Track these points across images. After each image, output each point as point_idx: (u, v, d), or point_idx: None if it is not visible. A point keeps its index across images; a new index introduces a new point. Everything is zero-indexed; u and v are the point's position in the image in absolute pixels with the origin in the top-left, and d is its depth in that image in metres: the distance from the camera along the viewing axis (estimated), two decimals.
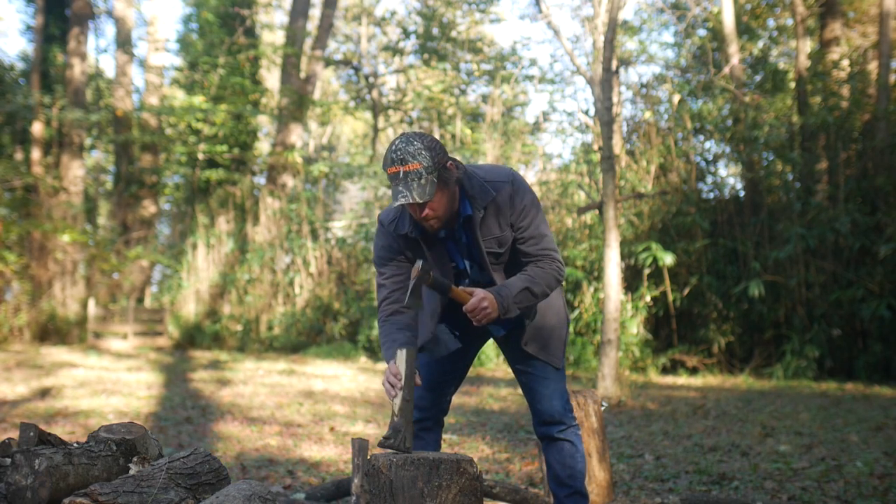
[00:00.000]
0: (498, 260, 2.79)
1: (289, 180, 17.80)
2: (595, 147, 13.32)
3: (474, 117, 20.17)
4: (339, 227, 17.01)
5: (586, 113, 16.92)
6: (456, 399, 2.96)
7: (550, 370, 2.91)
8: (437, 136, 17.76)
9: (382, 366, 12.15)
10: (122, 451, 2.53)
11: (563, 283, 3.10)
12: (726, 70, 13.31)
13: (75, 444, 2.52)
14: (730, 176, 14.49)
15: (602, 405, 3.68)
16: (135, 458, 2.54)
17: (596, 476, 3.60)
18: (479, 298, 2.61)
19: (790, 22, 16.57)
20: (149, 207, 19.26)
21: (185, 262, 16.87)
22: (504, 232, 2.72)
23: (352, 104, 22.38)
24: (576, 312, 11.69)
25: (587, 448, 3.54)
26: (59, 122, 16.85)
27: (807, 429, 6.38)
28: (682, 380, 10.78)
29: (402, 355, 2.48)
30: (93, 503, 2.19)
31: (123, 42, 20.08)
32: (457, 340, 2.94)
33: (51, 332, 15.47)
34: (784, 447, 5.55)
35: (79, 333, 15.61)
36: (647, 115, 13.95)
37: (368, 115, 22.57)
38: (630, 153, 13.22)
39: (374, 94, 20.96)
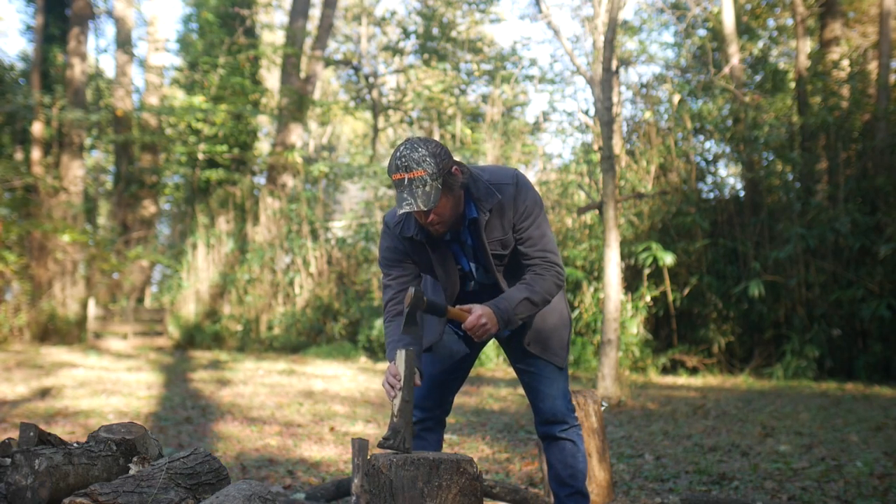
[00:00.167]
0: (502, 262, 2.79)
1: (289, 180, 17.80)
2: (595, 147, 13.32)
3: (474, 117, 20.16)
4: (339, 227, 17.00)
5: (586, 113, 16.93)
6: (456, 399, 2.96)
7: (553, 370, 2.91)
8: (437, 136, 17.77)
9: (382, 366, 12.15)
10: (122, 451, 2.53)
11: (565, 282, 3.09)
12: (726, 70, 13.31)
13: (75, 444, 2.52)
14: (730, 176, 14.50)
15: (602, 405, 3.68)
16: (135, 458, 2.54)
17: (596, 476, 3.60)
18: (476, 316, 2.60)
19: (790, 22, 16.57)
20: (149, 207, 19.26)
21: (185, 262, 16.87)
22: (507, 234, 2.72)
23: (352, 104, 22.38)
24: (576, 312, 11.69)
25: (587, 448, 3.54)
26: (59, 122, 16.85)
27: (807, 429, 6.38)
28: (682, 380, 10.78)
29: (401, 356, 2.48)
30: (93, 503, 2.19)
31: (123, 42, 20.08)
32: (461, 342, 2.95)
33: (51, 332, 15.46)
34: (784, 447, 5.55)
35: (79, 333, 15.61)
36: (647, 115, 13.95)
37: (368, 115, 22.57)
38: (630, 153, 13.22)
39: (374, 94, 20.96)
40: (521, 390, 8.75)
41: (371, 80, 21.60)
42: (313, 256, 15.71)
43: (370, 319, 14.09)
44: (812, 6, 14.31)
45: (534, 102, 39.52)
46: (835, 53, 13.52)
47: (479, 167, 2.76)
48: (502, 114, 18.44)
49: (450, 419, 6.62)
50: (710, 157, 13.74)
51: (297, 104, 17.91)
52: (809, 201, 11.71)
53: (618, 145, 12.55)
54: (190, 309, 16.27)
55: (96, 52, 25.69)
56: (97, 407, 7.26)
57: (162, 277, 19.95)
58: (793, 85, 14.36)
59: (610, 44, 7.96)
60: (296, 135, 18.41)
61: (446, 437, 6.01)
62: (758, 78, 15.98)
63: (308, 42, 19.01)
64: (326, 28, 18.77)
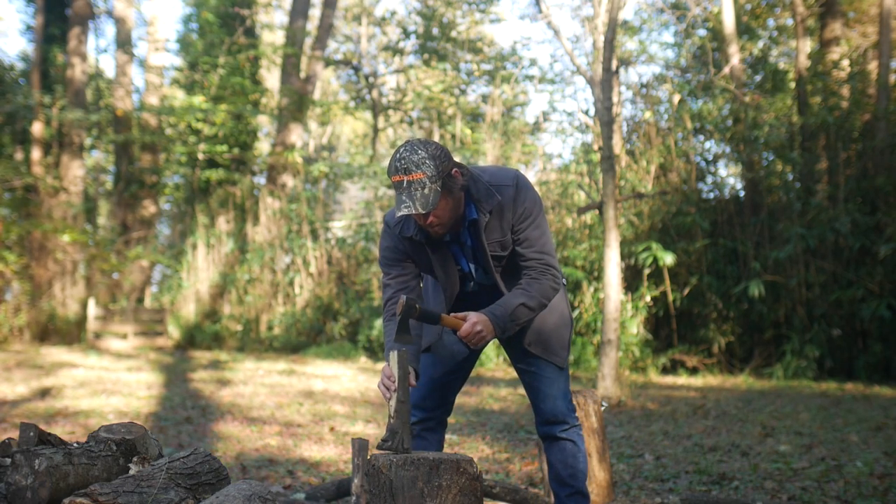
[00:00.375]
0: (501, 263, 2.79)
1: (289, 180, 17.80)
2: (595, 147, 13.32)
3: (474, 117, 20.16)
4: (339, 227, 17.00)
5: (586, 113, 16.93)
6: (456, 399, 2.96)
7: (553, 370, 2.91)
8: (437, 136, 17.78)
9: (382, 365, 12.14)
10: (122, 451, 2.53)
11: (565, 282, 3.09)
12: (726, 70, 13.31)
13: (75, 444, 2.52)
14: (730, 176, 14.50)
15: (602, 405, 3.69)
16: (135, 458, 2.54)
17: (596, 476, 3.60)
18: (471, 323, 2.59)
19: (790, 22, 16.57)
20: (149, 207, 19.25)
21: (185, 262, 16.87)
22: (506, 235, 2.72)
23: (352, 104, 22.38)
24: (576, 312, 11.69)
25: (587, 448, 3.54)
26: (59, 122, 16.85)
27: (807, 429, 6.38)
28: (682, 380, 10.78)
29: (394, 357, 2.47)
30: (93, 503, 2.19)
31: (123, 42, 20.07)
32: (462, 343, 2.95)
33: (51, 332, 15.46)
34: (784, 447, 5.55)
35: (79, 333, 15.60)
36: (647, 115, 13.95)
37: (368, 115, 22.57)
38: (630, 153, 13.22)
39: (374, 94, 20.96)
40: (521, 390, 8.75)
41: (371, 80, 21.60)
42: (313, 256, 15.71)
43: (370, 319, 14.09)
44: (812, 6, 14.31)
45: (534, 102, 39.56)
46: (835, 53, 13.52)
47: (479, 168, 2.76)
48: (502, 114, 18.44)
49: (450, 419, 6.62)
50: (710, 157, 13.74)
51: (297, 104, 17.91)
52: (809, 201, 11.71)
53: (618, 145, 12.55)
54: (190, 309, 16.26)
55: (96, 52, 25.69)
56: (97, 407, 7.26)
57: (162, 277, 19.95)
58: (793, 85, 14.36)
59: (610, 44, 7.96)
60: (296, 135, 18.41)
61: (446, 437, 6.01)
62: (758, 78, 15.98)
63: (308, 42, 19.01)
64: (326, 28, 18.77)
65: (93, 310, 15.51)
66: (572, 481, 2.92)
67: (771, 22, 17.80)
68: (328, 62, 21.36)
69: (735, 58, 13.41)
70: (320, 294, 15.39)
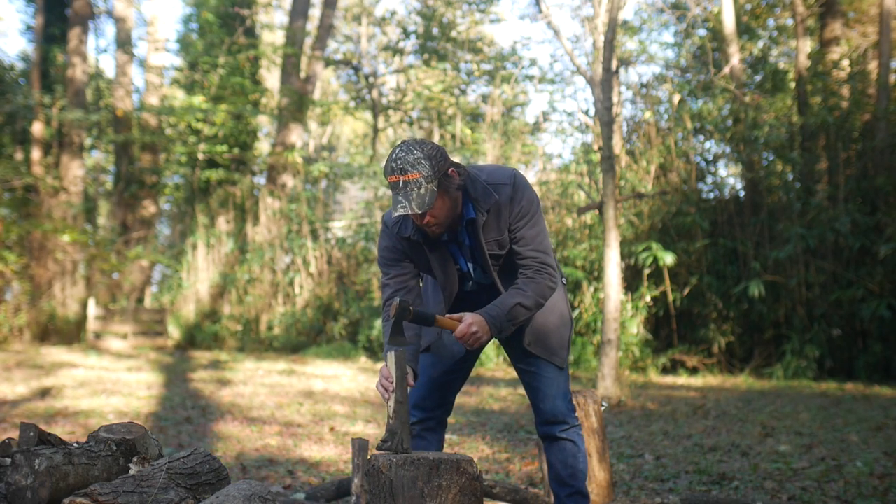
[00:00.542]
0: (499, 262, 2.79)
1: (289, 180, 17.80)
2: (595, 147, 13.32)
3: (474, 117, 20.16)
4: (339, 227, 17.00)
5: (586, 113, 16.93)
6: (456, 399, 2.97)
7: (553, 369, 2.91)
8: (437, 136, 17.77)
9: (381, 366, 12.14)
10: (122, 451, 2.53)
11: (565, 281, 3.09)
12: (726, 70, 13.30)
13: (75, 444, 2.52)
14: (730, 176, 14.50)
15: (602, 405, 3.69)
16: (135, 458, 2.54)
17: (596, 476, 3.60)
18: (467, 324, 2.59)
19: (790, 22, 16.57)
20: (149, 207, 19.25)
21: (185, 262, 16.87)
22: (504, 234, 2.72)
23: (352, 104, 22.38)
24: (576, 312, 11.69)
25: (587, 448, 3.54)
26: (59, 122, 16.85)
27: (807, 429, 6.38)
28: (682, 380, 10.78)
29: (391, 357, 2.47)
30: (93, 503, 2.19)
31: (123, 42, 20.07)
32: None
33: (51, 332, 15.46)
34: (784, 447, 5.55)
35: (79, 333, 15.60)
36: (647, 115, 13.95)
37: (368, 115, 22.56)
38: (630, 153, 13.22)
39: (374, 94, 20.96)
40: (521, 390, 8.75)
41: (371, 80, 21.60)
42: (313, 256, 15.71)
43: (370, 319, 14.09)
44: (812, 6, 14.31)
45: (534, 102, 39.54)
46: (835, 53, 13.52)
47: (477, 167, 2.76)
48: (502, 114, 18.44)
49: (450, 419, 6.62)
50: (710, 157, 13.74)
51: (297, 104, 17.90)
52: (809, 201, 11.71)
53: (618, 145, 12.55)
54: (190, 309, 16.27)
55: (96, 52, 25.69)
56: (97, 407, 7.26)
57: (162, 277, 19.94)
58: (793, 85, 14.36)
59: (610, 44, 7.96)
60: (296, 135, 18.41)
61: (446, 437, 6.01)
62: (758, 78, 15.97)
63: (308, 42, 19.00)
64: (326, 28, 18.77)
65: (93, 310, 15.51)
66: (572, 481, 2.92)
67: (771, 22, 17.80)
68: (328, 62, 21.36)
69: (735, 58, 13.41)
70: (320, 294, 15.39)
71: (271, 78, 21.83)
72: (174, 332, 16.06)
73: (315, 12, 21.35)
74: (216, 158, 18.32)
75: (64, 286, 15.96)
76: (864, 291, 10.72)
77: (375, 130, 20.85)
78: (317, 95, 20.85)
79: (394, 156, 2.53)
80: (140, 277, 18.40)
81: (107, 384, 8.93)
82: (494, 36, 28.72)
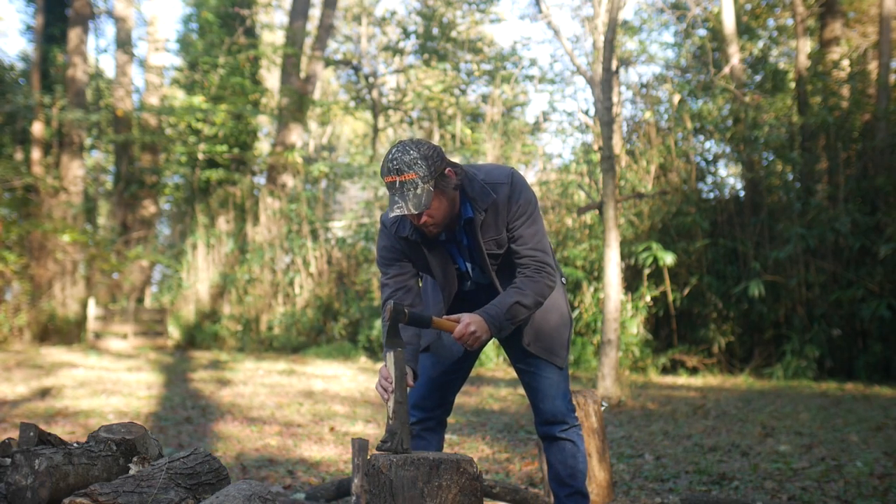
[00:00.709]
0: (498, 261, 2.79)
1: (289, 180, 17.80)
2: (595, 147, 13.32)
3: (474, 117, 20.15)
4: (339, 227, 17.00)
5: (586, 113, 16.93)
6: (456, 399, 2.97)
7: (553, 369, 2.90)
8: (437, 136, 17.77)
9: (381, 366, 12.14)
10: (122, 451, 2.53)
11: (565, 281, 3.08)
12: (726, 70, 13.30)
13: (75, 444, 2.53)
14: (730, 176, 14.49)
15: (602, 405, 3.69)
16: (135, 458, 2.54)
17: (596, 476, 3.60)
18: (465, 325, 2.58)
19: (790, 22, 16.57)
20: (149, 207, 19.25)
21: (185, 262, 16.87)
22: (502, 233, 2.71)
23: (352, 104, 22.38)
24: (576, 312, 11.69)
25: (587, 448, 3.54)
26: (59, 122, 16.85)
27: (807, 429, 6.38)
28: (682, 380, 10.78)
29: (390, 357, 2.47)
30: (93, 503, 2.19)
31: (123, 42, 20.07)
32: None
33: (51, 332, 15.46)
34: (784, 447, 5.55)
35: (79, 333, 15.60)
36: (647, 115, 13.95)
37: (368, 115, 22.56)
38: (630, 153, 13.21)
39: (374, 94, 20.96)
40: (521, 390, 8.75)
41: (371, 80, 21.59)
42: (313, 256, 15.72)
43: (370, 319, 14.09)
44: (812, 6, 14.31)
45: (534, 102, 39.54)
46: (835, 53, 13.52)
47: (475, 166, 2.76)
48: (502, 114, 18.43)
49: (450, 419, 6.62)
50: (710, 157, 13.74)
51: (297, 104, 17.91)
52: (809, 201, 11.71)
53: (618, 145, 12.54)
54: (190, 309, 16.27)
55: (96, 52, 25.68)
56: (97, 407, 7.26)
57: (162, 277, 19.95)
58: (793, 85, 14.36)
59: (610, 44, 7.96)
60: (296, 135, 18.41)
61: (446, 437, 6.01)
62: (758, 78, 15.97)
63: (308, 42, 19.00)
64: (326, 28, 18.77)
65: (93, 310, 15.51)
66: (572, 481, 2.92)
67: (771, 22, 17.80)
68: (328, 62, 21.36)
69: (735, 58, 13.40)
70: (320, 294, 15.39)
71: (271, 78, 21.83)
72: (174, 332, 16.06)
73: (315, 12, 21.35)
74: (216, 158, 18.32)
75: (64, 286, 15.97)
76: (864, 291, 10.72)
77: (375, 130, 20.85)
78: (317, 95, 20.85)
79: (390, 156, 2.53)
80: (140, 277, 18.40)
81: (107, 384, 8.93)
82: (494, 36, 28.75)
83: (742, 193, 12.92)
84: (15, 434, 5.54)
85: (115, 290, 17.70)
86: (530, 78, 21.09)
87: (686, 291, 11.76)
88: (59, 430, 5.95)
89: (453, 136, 17.92)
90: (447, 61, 20.57)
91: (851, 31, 16.03)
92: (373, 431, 6.40)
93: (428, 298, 2.96)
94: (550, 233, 12.86)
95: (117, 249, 17.32)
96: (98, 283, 16.89)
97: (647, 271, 11.57)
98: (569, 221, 13.06)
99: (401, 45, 22.03)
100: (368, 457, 2.32)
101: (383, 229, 2.81)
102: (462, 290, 2.89)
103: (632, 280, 11.82)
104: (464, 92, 21.06)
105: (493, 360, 12.32)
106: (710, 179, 13.64)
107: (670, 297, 11.66)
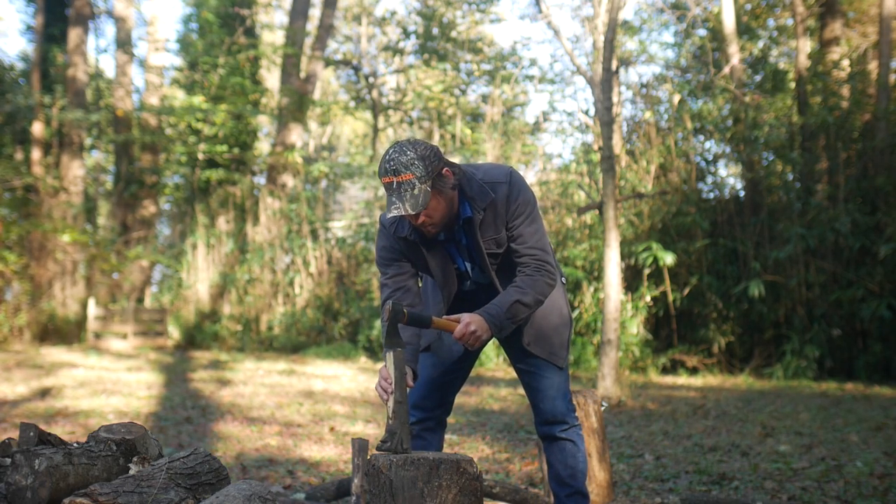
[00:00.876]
0: (497, 260, 2.79)
1: (289, 180, 17.80)
2: (595, 147, 13.32)
3: (474, 117, 20.15)
4: (339, 227, 17.00)
5: (586, 113, 16.93)
6: (456, 399, 2.97)
7: (553, 369, 2.90)
8: (437, 136, 17.77)
9: (380, 366, 12.14)
10: (122, 451, 2.53)
11: (566, 281, 3.08)
12: (726, 70, 13.31)
13: (75, 444, 2.52)
14: (730, 176, 14.50)
15: (602, 405, 3.69)
16: (135, 458, 2.54)
17: (596, 476, 3.60)
18: (465, 324, 2.57)
19: (790, 22, 16.57)
20: (149, 207, 19.25)
21: (185, 262, 16.87)
22: (501, 232, 2.71)
23: (352, 104, 22.38)
24: (576, 312, 11.69)
25: (587, 448, 3.54)
26: (59, 122, 16.85)
27: (807, 429, 6.38)
28: (682, 380, 10.78)
29: (390, 358, 2.47)
30: (93, 503, 2.19)
31: (123, 42, 20.07)
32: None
33: (51, 332, 15.46)
34: (784, 447, 5.55)
35: (79, 333, 15.60)
36: (647, 115, 13.95)
37: (368, 115, 22.56)
38: (630, 153, 13.21)
39: (374, 94, 20.96)
40: (521, 390, 8.75)
41: (371, 80, 21.59)
42: (313, 256, 15.72)
43: (370, 319, 14.09)
44: (812, 6, 14.30)
45: (534, 102, 39.54)
46: (835, 53, 13.52)
47: (473, 166, 2.76)
48: (502, 114, 18.43)
49: (450, 419, 6.62)
50: (710, 157, 13.74)
51: (297, 104, 17.90)
52: (809, 201, 11.71)
53: (618, 145, 12.54)
54: (190, 309, 16.27)
55: (96, 52, 25.69)
56: (97, 407, 7.26)
57: (162, 277, 19.95)
58: (793, 85, 14.36)
59: (610, 44, 7.96)
60: (296, 135, 18.41)
61: (446, 437, 6.01)
62: (758, 78, 15.97)
63: (308, 42, 19.00)
64: (326, 28, 18.77)
65: (93, 310, 15.52)
66: (572, 481, 2.92)
67: (771, 22, 17.80)
68: (328, 62, 21.35)
69: (735, 58, 13.40)
70: (320, 294, 15.39)
71: (271, 78, 21.83)
72: (174, 332, 16.06)
73: (315, 12, 21.35)
74: (216, 158, 18.32)
75: (64, 286, 15.97)
76: (864, 291, 10.72)
77: (375, 130, 20.85)
78: (317, 95, 20.85)
79: (387, 157, 2.53)
80: (140, 277, 18.40)
81: (107, 384, 8.93)
82: (494, 36, 28.73)
83: (742, 193, 12.92)
84: (15, 434, 5.54)
85: (115, 290, 17.70)
86: (530, 78, 21.09)
87: (686, 291, 11.76)
88: (59, 430, 5.95)
89: (453, 136, 17.91)
90: (447, 61, 20.57)
91: (851, 31, 16.03)
92: (373, 431, 6.40)
93: (428, 298, 2.96)
94: (550, 233, 12.86)
95: (117, 249, 17.32)
96: (98, 283, 16.89)
97: (647, 271, 11.57)
98: (569, 221, 13.06)
99: (401, 45, 22.03)
100: (368, 457, 2.32)
101: (382, 229, 2.81)
102: (462, 289, 2.89)
103: (632, 280, 11.82)
104: (464, 92, 21.06)
105: (493, 360, 12.32)
106: (710, 179, 13.65)
107: (670, 297, 11.66)
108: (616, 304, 7.75)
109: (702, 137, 13.89)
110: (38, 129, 16.73)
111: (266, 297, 15.65)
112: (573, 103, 23.56)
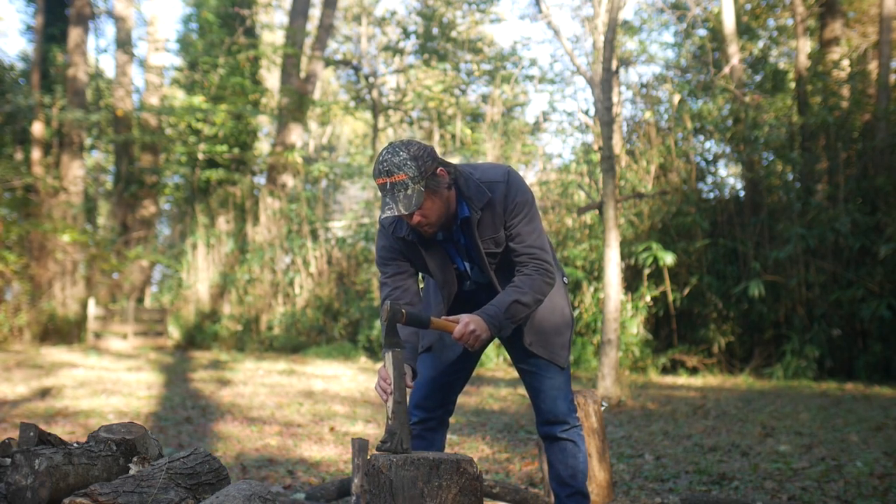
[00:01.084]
0: (496, 260, 2.78)
1: (289, 180, 17.80)
2: (595, 147, 13.32)
3: (474, 117, 20.15)
4: (339, 227, 17.00)
5: (586, 113, 16.92)
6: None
7: (554, 369, 2.90)
8: (437, 136, 17.77)
9: (380, 366, 12.13)
10: (122, 451, 2.53)
11: (566, 280, 3.08)
12: (726, 70, 13.31)
13: (75, 444, 2.52)
14: (730, 176, 14.50)
15: (602, 405, 3.69)
16: (135, 458, 2.54)
17: (596, 476, 3.60)
18: (464, 324, 2.57)
19: (790, 22, 16.57)
20: (149, 207, 19.25)
21: (185, 262, 16.87)
22: (499, 231, 2.71)
23: (352, 104, 22.37)
24: (576, 312, 11.69)
25: (587, 448, 3.54)
26: (59, 122, 16.85)
27: (807, 429, 6.38)
28: (682, 380, 10.78)
29: (388, 358, 2.46)
30: (93, 503, 2.19)
31: (123, 42, 20.07)
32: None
33: (51, 332, 15.46)
34: (784, 447, 5.55)
35: (79, 333, 15.60)
36: (647, 115, 13.95)
37: (368, 115, 22.56)
38: (630, 153, 13.22)
39: (374, 94, 20.96)
40: (521, 390, 8.76)
41: (371, 80, 21.59)
42: (313, 256, 15.72)
43: (370, 319, 14.09)
44: (812, 6, 14.31)
45: (534, 102, 39.54)
46: (835, 53, 13.52)
47: (471, 165, 2.76)
48: (502, 114, 18.43)
49: (450, 419, 6.62)
50: (710, 157, 13.74)
51: (297, 104, 17.91)
52: (809, 201, 11.71)
53: (618, 145, 12.54)
54: (190, 309, 16.27)
55: (96, 52, 25.68)
56: (97, 407, 7.26)
57: (162, 277, 19.95)
58: (793, 85, 14.36)
59: (610, 44, 7.96)
60: (296, 135, 18.41)
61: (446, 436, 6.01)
62: (758, 78, 15.98)
63: (308, 42, 19.00)
64: (326, 28, 18.77)
65: (93, 310, 15.52)
66: (572, 481, 2.92)
67: (771, 22, 17.80)
68: (328, 62, 21.35)
69: (735, 58, 13.40)
70: (320, 294, 15.39)
71: (271, 78, 21.83)
72: (174, 332, 16.06)
73: (315, 12, 21.35)
74: (216, 158, 18.32)
75: (64, 286, 15.97)
76: (864, 291, 10.72)
77: (375, 130, 20.84)
78: (317, 95, 20.85)
79: (380, 158, 2.54)
80: (140, 277, 18.41)
81: (107, 384, 8.93)
82: (494, 36, 28.72)
83: (742, 193, 12.92)
84: (15, 434, 5.54)
85: (115, 290, 17.70)
86: (530, 78, 21.09)
87: (686, 291, 11.76)
88: (59, 430, 5.95)
89: (453, 137, 17.92)
90: (447, 61, 20.57)
91: (851, 31, 16.03)
92: (373, 431, 6.40)
93: (429, 299, 2.96)
94: (550, 233, 12.86)
95: (117, 249, 17.32)
96: (98, 283, 16.89)
97: (647, 271, 11.57)
98: (569, 221, 13.06)
99: (401, 45, 22.03)
100: (368, 457, 2.32)
101: (381, 229, 2.81)
102: (462, 289, 2.89)
103: (632, 280, 11.82)
104: (464, 92, 21.06)
105: (494, 360, 12.32)
106: (710, 179, 13.65)
107: (670, 297, 11.66)
108: (616, 304, 7.75)
109: (702, 137, 13.89)
110: (38, 129, 16.73)
111: (266, 297, 15.65)
112: (573, 103, 23.58)
